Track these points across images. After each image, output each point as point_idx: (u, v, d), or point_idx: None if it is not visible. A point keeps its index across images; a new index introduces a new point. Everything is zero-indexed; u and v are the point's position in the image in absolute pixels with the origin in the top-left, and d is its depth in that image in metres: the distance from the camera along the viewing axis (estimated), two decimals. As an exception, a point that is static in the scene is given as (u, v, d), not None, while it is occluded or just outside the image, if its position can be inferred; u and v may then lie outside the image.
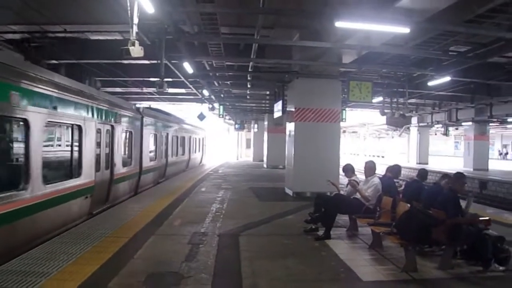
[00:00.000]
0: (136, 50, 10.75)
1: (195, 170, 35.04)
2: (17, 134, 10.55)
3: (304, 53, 17.22)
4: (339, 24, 10.85)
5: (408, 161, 46.97)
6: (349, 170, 11.93)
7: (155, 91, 28.18)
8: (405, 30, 11.07)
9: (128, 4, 10.48)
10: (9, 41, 17.55)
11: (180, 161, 34.64)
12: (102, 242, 9.79)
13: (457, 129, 53.20)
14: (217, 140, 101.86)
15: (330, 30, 13.61)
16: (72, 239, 10.00)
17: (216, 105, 34.81)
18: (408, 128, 49.13)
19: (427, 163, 43.58)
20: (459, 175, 9.04)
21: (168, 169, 29.02)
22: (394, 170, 12.52)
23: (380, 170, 12.90)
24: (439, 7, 11.00)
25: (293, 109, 18.29)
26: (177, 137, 32.63)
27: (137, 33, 10.96)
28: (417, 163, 43.90)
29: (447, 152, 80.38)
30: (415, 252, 8.32)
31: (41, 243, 9.80)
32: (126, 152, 20.09)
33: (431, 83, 22.62)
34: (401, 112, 28.81)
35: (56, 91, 12.02)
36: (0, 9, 13.63)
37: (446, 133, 45.61)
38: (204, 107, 37.23)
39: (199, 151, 44.52)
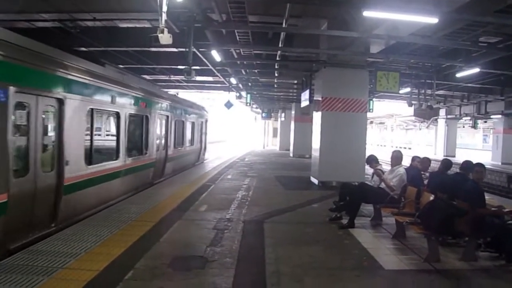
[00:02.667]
0: (165, 38, 10.85)
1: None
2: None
3: (331, 42, 17.17)
4: (367, 13, 10.83)
5: (435, 153, 46.49)
6: (372, 160, 11.96)
7: (183, 78, 28.54)
8: (433, 20, 10.98)
9: (158, -8, 10.57)
10: (40, 29, 17.80)
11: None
12: (129, 225, 9.98)
13: (485, 122, 52.50)
14: (244, 128, 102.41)
15: (358, 20, 13.57)
16: (100, 221, 10.23)
17: (243, 93, 34.88)
18: (436, 120, 48.58)
19: (454, 156, 43.08)
20: (479, 165, 9.02)
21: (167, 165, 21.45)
22: (424, 162, 12.47)
23: (407, 163, 12.86)
24: (468, -3, 10.90)
25: (320, 98, 18.27)
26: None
27: (166, 21, 11.05)
28: (444, 155, 43.33)
29: (475, 145, 79.43)
30: (438, 243, 8.36)
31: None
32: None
33: (459, 75, 22.38)
34: (429, 104, 28.63)
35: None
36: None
37: (474, 126, 45.09)
38: (231, 95, 37.28)
39: (190, 143, 27.88)
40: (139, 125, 17.32)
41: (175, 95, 28.78)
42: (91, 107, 12.26)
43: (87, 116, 12.13)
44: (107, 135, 14.99)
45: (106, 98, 13.47)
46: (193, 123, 28.17)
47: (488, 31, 16.22)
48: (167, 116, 21.13)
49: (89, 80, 12.01)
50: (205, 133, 33.57)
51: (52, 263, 7.09)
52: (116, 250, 7.95)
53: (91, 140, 12.56)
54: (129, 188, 15.58)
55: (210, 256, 7.89)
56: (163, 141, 20.75)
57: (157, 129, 19.54)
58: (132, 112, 16.01)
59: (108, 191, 13.62)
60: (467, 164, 10.62)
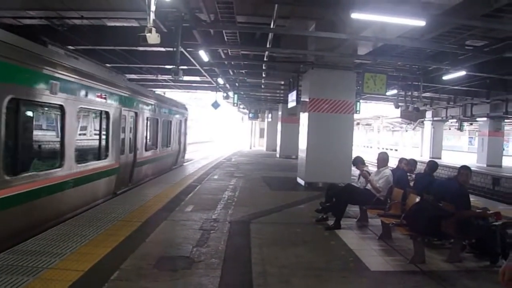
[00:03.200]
0: (153, 37, 10.82)
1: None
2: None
3: (319, 44, 17.22)
4: (355, 15, 10.89)
5: (421, 155, 46.70)
6: (359, 162, 11.97)
7: (170, 78, 28.50)
8: (421, 23, 11.07)
9: (146, -9, 10.55)
10: (27, 26, 17.70)
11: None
12: (114, 225, 9.95)
13: (471, 124, 52.74)
14: (231, 129, 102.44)
15: (346, 22, 13.63)
16: (85, 221, 10.19)
17: (230, 93, 34.91)
18: (422, 122, 48.88)
19: (440, 158, 43.36)
20: (465, 168, 9.08)
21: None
22: (410, 164, 12.54)
23: (393, 164, 12.91)
24: (455, 1, 10.97)
25: (307, 100, 18.31)
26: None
27: (154, 20, 11.03)
28: (430, 157, 43.48)
29: (461, 147, 79.90)
30: (423, 244, 8.39)
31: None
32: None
33: (446, 77, 22.52)
34: (416, 106, 28.75)
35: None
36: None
37: (460, 128, 45.34)
38: (218, 96, 37.27)
39: (166, 144, 24.93)
40: (94, 123, 14.33)
41: (149, 90, 23.98)
42: (13, 96, 9.14)
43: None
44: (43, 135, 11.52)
45: (42, 85, 10.31)
46: (169, 122, 24.96)
47: (474, 34, 16.38)
48: (136, 113, 17.87)
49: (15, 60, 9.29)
50: (185, 133, 30.25)
51: (37, 263, 7.05)
52: (101, 250, 7.91)
53: None
54: (78, 203, 12.46)
55: (196, 256, 7.87)
56: (130, 143, 17.52)
57: (122, 128, 16.30)
58: (84, 106, 12.70)
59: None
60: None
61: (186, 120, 30.55)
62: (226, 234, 9.74)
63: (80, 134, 12.95)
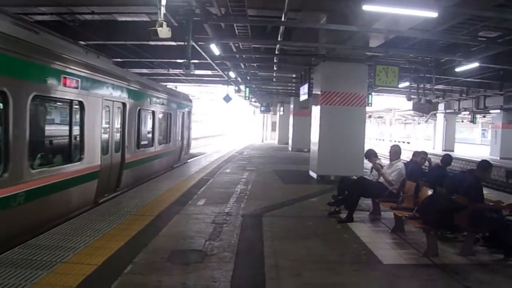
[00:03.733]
0: (164, 31, 10.82)
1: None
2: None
3: (331, 36, 17.16)
4: (367, 7, 10.82)
5: (434, 148, 46.49)
6: (371, 155, 11.90)
7: (181, 72, 28.42)
8: (433, 14, 10.96)
9: (157, -15, 10.55)
10: (38, 22, 17.78)
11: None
12: (127, 219, 10.01)
13: (484, 116, 52.47)
14: (242, 122, 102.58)
15: (357, 14, 13.56)
16: (98, 216, 10.24)
17: (242, 87, 34.84)
18: (435, 114, 48.59)
19: (453, 150, 43.05)
20: (485, 164, 8.99)
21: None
22: (421, 155, 12.52)
23: (405, 157, 12.86)
24: (468, -10, 10.88)
25: (319, 93, 18.28)
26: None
27: (164, 14, 11.03)
28: (442, 150, 43.37)
29: (473, 140, 79.46)
30: (436, 237, 8.35)
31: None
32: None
33: (459, 69, 22.38)
34: (428, 98, 28.54)
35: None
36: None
37: (473, 121, 45.08)
38: (230, 89, 37.24)
39: (165, 140, 22.23)
40: (61, 116, 11.80)
41: (142, 77, 20.28)
42: None
43: None
44: None
45: None
46: (168, 115, 22.05)
47: (487, 25, 16.24)
48: (123, 104, 15.02)
49: None
50: (189, 127, 27.58)
51: (51, 257, 7.10)
52: (115, 244, 7.96)
53: None
54: (33, 222, 9.47)
55: (209, 250, 7.90)
56: (116, 140, 14.84)
57: (103, 122, 13.31)
58: (45, 94, 10.01)
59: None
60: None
61: (190, 112, 27.89)
62: (239, 227, 9.76)
63: (38, 130, 10.28)
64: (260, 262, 7.45)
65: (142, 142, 17.55)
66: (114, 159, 14.43)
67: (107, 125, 13.99)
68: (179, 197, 13.17)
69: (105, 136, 13.74)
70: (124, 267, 6.82)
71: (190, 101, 28.80)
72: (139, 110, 16.92)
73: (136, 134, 16.57)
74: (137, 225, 9.44)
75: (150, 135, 19.06)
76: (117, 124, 14.99)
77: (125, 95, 15.27)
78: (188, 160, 27.44)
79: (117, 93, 14.48)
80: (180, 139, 25.25)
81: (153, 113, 19.14)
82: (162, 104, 20.73)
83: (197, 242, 8.36)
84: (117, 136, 15.04)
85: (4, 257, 7.05)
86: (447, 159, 11.77)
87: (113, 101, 14.22)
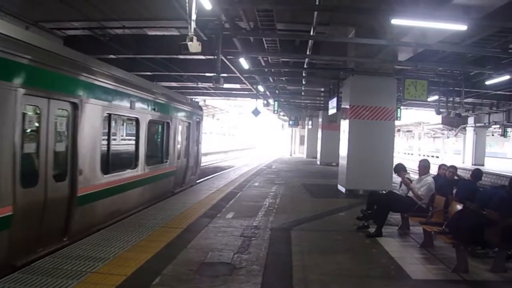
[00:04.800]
0: (194, 46, 10.93)
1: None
2: None
3: (359, 50, 17.17)
4: (395, 21, 10.82)
5: (463, 162, 45.95)
6: (400, 169, 11.84)
7: (210, 86, 28.60)
8: (462, 27, 10.92)
9: (187, 1, 10.67)
10: (71, 36, 18.11)
11: None
12: (156, 231, 10.06)
13: (516, 130, 51.81)
14: (271, 136, 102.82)
15: (386, 27, 13.57)
16: (128, 227, 10.33)
17: (270, 101, 35.00)
18: (464, 128, 48.06)
19: (483, 165, 42.56)
20: None
21: None
22: (450, 169, 12.46)
23: (435, 172, 12.77)
24: (498, 3, 10.78)
25: (348, 106, 18.26)
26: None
27: (194, 29, 11.15)
28: (472, 164, 42.88)
29: (504, 154, 78.36)
30: (467, 253, 8.23)
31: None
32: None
33: (489, 82, 22.21)
34: (457, 112, 28.34)
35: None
36: (62, 5, 14.06)
37: (504, 134, 44.49)
38: (259, 103, 37.35)
39: (162, 158, 17.25)
40: None
41: (119, 70, 13.18)
42: None
43: None
44: None
45: None
46: (165, 125, 17.01)
47: (518, 38, 16.07)
48: (74, 105, 9.96)
49: None
50: (198, 141, 22.28)
51: (81, 267, 7.19)
52: (144, 255, 8.01)
53: None
54: None
55: (238, 263, 7.90)
56: (83, 160, 10.33)
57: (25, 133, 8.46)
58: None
59: None
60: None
61: (199, 123, 22.53)
62: (267, 241, 9.74)
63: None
64: (288, 275, 7.43)
65: (114, 163, 12.41)
66: (53, 193, 9.19)
67: (35, 139, 8.87)
68: (207, 210, 13.20)
69: (28, 155, 8.67)
70: (153, 279, 6.85)
71: (200, 109, 23.65)
72: (107, 116, 11.82)
73: (99, 151, 11.34)
74: (166, 237, 9.49)
75: (129, 153, 14.01)
76: (60, 137, 9.80)
77: (78, 91, 10.18)
78: (198, 182, 23.00)
79: (63, 87, 9.68)
80: (184, 156, 19.83)
81: (136, 121, 13.94)
82: (154, 109, 15.34)
83: (225, 255, 8.36)
84: (84, 154, 10.43)
85: (36, 266, 7.16)
86: (477, 173, 11.67)
87: (52, 99, 9.11)
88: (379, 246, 9.75)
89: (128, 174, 13.26)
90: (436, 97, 27.18)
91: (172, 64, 23.59)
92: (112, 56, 20.42)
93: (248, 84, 27.11)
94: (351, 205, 15.03)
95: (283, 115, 55.10)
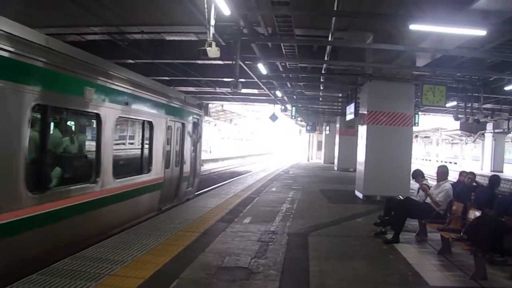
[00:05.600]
0: (213, 51, 11.01)
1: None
2: None
3: (377, 55, 17.14)
4: (413, 26, 10.80)
5: (482, 169, 45.56)
6: (418, 175, 11.81)
7: (228, 91, 28.68)
8: (481, 32, 10.86)
9: (205, 6, 10.74)
10: (89, 41, 18.27)
11: None
12: (174, 235, 10.11)
13: (536, 136, 51.30)
14: (288, 141, 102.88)
15: (404, 33, 13.53)
16: (146, 231, 10.40)
17: (288, 106, 34.96)
18: (483, 134, 47.69)
19: (502, 171, 42.20)
20: None
21: None
22: (469, 175, 12.43)
23: (453, 178, 12.74)
24: (518, 7, 10.73)
25: (366, 112, 18.23)
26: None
27: (213, 34, 11.22)
28: (491, 171, 42.50)
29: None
30: (485, 260, 8.18)
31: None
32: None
33: (508, 88, 22.06)
34: (476, 118, 28.14)
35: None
36: (81, 10, 14.21)
37: (524, 140, 44.16)
38: (276, 108, 37.39)
39: (141, 168, 13.49)
40: None
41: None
42: None
43: None
44: None
45: None
46: (147, 125, 13.60)
47: (538, 42, 15.94)
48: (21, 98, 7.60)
49: None
50: (195, 146, 18.76)
51: (100, 269, 7.25)
52: (161, 259, 8.06)
53: None
54: None
55: (255, 267, 7.92)
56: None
57: None
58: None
59: None
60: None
61: (197, 124, 19.01)
62: (284, 246, 9.75)
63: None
64: (305, 281, 7.43)
65: (56, 175, 9.19)
66: None
67: None
68: (225, 214, 13.23)
69: None
70: (170, 282, 6.90)
71: (199, 107, 19.55)
72: (45, 108, 8.37)
73: (32, 158, 8.17)
74: (183, 241, 9.54)
75: (90, 161, 10.70)
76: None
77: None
78: (197, 193, 20.03)
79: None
80: (176, 164, 16.49)
81: (98, 118, 10.45)
82: (126, 103, 11.85)
83: (243, 260, 8.38)
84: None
85: (55, 267, 7.24)
86: (494, 180, 11.60)
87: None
88: (396, 252, 9.72)
89: (82, 191, 9.78)
90: (454, 103, 27.03)
91: (190, 69, 23.72)
92: (130, 61, 20.58)
93: (265, 89, 27.14)
94: (368, 211, 14.99)
95: (301, 121, 55.09)
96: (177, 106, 16.35)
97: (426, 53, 15.75)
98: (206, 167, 47.30)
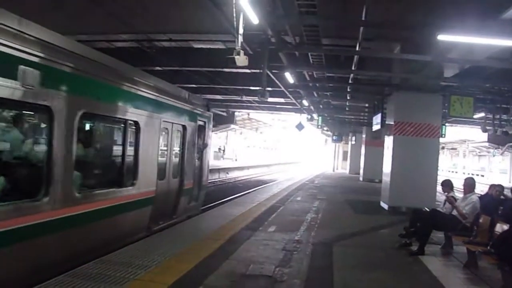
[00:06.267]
0: (241, 60, 11.07)
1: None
2: None
3: (404, 66, 17.04)
4: (441, 37, 10.73)
5: (510, 182, 45.11)
6: (447, 185, 11.70)
7: (255, 99, 28.72)
8: (511, 43, 10.78)
9: (234, 15, 10.81)
10: (118, 48, 18.50)
11: None
12: (199, 242, 10.16)
13: None
14: (314, 151, 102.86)
15: (432, 43, 13.42)
16: (170, 237, 10.48)
17: (314, 115, 34.95)
18: (511, 146, 47.20)
19: (530, 184, 41.74)
20: None
21: None
22: (497, 188, 12.35)
23: (479, 190, 12.63)
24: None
25: (392, 123, 18.14)
26: None
27: (241, 43, 11.28)
28: (519, 184, 42.10)
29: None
30: (513, 275, 8.10)
31: None
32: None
33: (537, 99, 21.79)
34: (504, 130, 27.82)
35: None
36: (110, 18, 14.37)
37: (552, 153, 43.60)
38: (302, 117, 37.40)
39: (121, 179, 10.56)
40: None
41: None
42: None
43: None
44: None
45: None
46: (132, 126, 10.93)
47: None
48: None
49: None
50: (202, 152, 16.51)
51: (124, 273, 7.33)
52: (185, 265, 8.09)
53: None
54: None
55: (279, 276, 7.90)
56: None
57: None
58: None
59: None
60: None
61: (203, 128, 16.51)
62: (309, 255, 9.73)
63: None
64: (329, 290, 7.40)
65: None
66: None
67: None
68: (250, 222, 13.26)
69: None
70: (194, 289, 6.93)
71: (206, 107, 16.95)
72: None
73: None
74: (208, 248, 9.56)
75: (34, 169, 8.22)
76: None
77: None
78: (203, 208, 17.82)
79: None
80: (175, 174, 13.99)
81: (48, 113, 7.79)
82: (98, 98, 9.48)
83: (267, 268, 8.36)
84: None
85: (80, 270, 7.36)
86: None
87: None
88: (421, 265, 9.64)
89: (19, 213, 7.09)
90: (482, 114, 26.78)
91: (217, 77, 23.85)
92: (158, 68, 20.78)
93: (292, 99, 27.19)
94: (393, 222, 14.87)
95: (327, 130, 55.03)
96: (176, 104, 13.71)
97: (455, 64, 15.65)
98: (232, 175, 47.50)
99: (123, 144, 10.81)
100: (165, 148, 13.26)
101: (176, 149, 14.18)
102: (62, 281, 6.73)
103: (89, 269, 7.46)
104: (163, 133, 12.90)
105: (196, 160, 15.77)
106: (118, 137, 11.29)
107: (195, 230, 11.38)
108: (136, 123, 11.00)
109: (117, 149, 11.09)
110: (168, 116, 13.06)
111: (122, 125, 10.72)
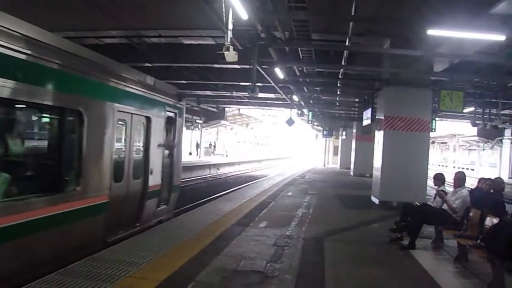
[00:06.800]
0: (231, 55, 11.07)
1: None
2: None
3: (394, 61, 17.06)
4: (431, 32, 10.74)
5: (500, 175, 45.28)
6: (439, 179, 11.70)
7: (245, 95, 28.73)
8: (500, 37, 10.79)
9: (223, 11, 10.79)
10: (108, 45, 18.43)
11: None
12: (190, 238, 10.12)
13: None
14: (305, 146, 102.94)
15: (422, 38, 13.45)
16: (161, 234, 10.46)
17: (305, 110, 34.97)
18: (501, 140, 47.38)
19: (519, 178, 41.97)
20: None
21: None
22: (487, 182, 12.41)
23: (469, 184, 12.69)
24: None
25: (383, 117, 18.16)
26: None
27: (231, 38, 11.26)
28: (509, 178, 42.25)
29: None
30: (503, 268, 8.11)
31: None
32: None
33: (527, 94, 21.89)
34: (494, 124, 27.92)
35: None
36: (99, 13, 14.31)
37: (541, 147, 43.85)
38: (293, 113, 37.41)
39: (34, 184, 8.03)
40: None
41: None
42: None
43: None
44: None
45: None
46: (72, 115, 8.75)
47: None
48: None
49: None
50: (172, 148, 14.39)
51: (115, 271, 7.30)
52: (177, 262, 8.08)
53: None
54: None
55: (270, 272, 7.90)
56: None
57: None
58: None
59: None
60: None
61: (174, 120, 14.43)
62: (300, 250, 9.73)
63: None
64: (321, 286, 7.43)
65: None
66: None
67: None
68: (241, 218, 13.24)
69: None
70: (185, 285, 6.91)
71: (176, 97, 14.53)
72: None
73: None
74: (199, 244, 9.55)
75: None
76: None
77: None
78: (176, 211, 15.31)
79: None
80: (137, 175, 11.82)
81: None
82: (25, 79, 7.24)
83: (258, 264, 8.36)
84: None
85: (70, 268, 7.30)
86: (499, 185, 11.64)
87: None
88: (412, 259, 9.66)
89: None
90: (472, 109, 26.89)
91: (207, 73, 23.82)
92: (147, 64, 20.71)
93: (282, 94, 27.19)
94: (384, 216, 14.90)
95: (317, 125, 55.04)
96: (137, 92, 11.53)
97: (444, 59, 15.68)
98: (222, 171, 47.49)
99: (60, 140, 8.73)
100: (123, 144, 11.20)
101: (138, 145, 12.09)
102: (52, 280, 6.70)
103: (80, 267, 7.41)
104: (119, 125, 10.77)
105: (166, 157, 13.79)
106: (49, 130, 9.22)
107: (186, 227, 11.32)
108: (79, 113, 8.82)
109: (43, 146, 9.00)
110: (126, 105, 10.83)
111: (57, 115, 8.58)
